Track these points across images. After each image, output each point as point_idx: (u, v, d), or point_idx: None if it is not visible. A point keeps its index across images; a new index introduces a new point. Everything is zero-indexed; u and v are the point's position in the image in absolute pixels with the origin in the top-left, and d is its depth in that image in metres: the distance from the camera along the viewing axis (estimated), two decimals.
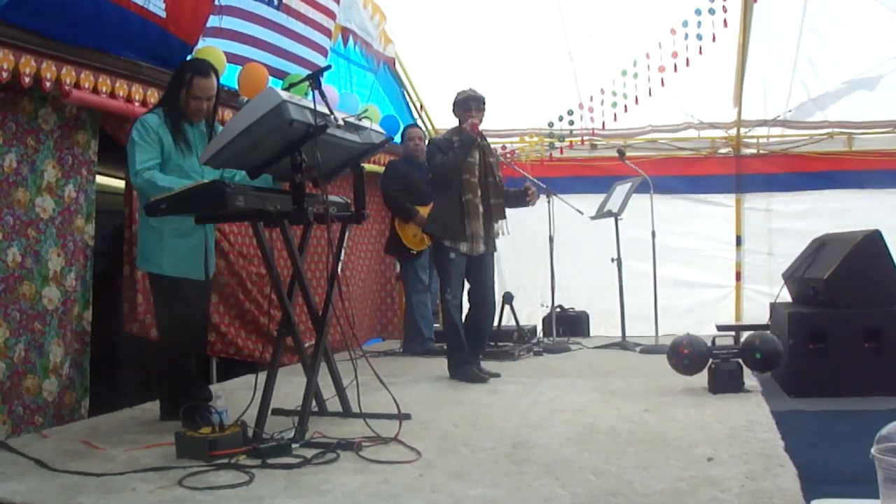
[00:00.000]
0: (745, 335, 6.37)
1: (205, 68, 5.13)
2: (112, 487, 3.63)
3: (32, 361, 5.10)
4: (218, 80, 5.17)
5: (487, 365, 6.89)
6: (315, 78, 4.56)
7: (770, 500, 3.21)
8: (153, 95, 5.67)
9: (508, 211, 6.91)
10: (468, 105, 6.66)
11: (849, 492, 1.84)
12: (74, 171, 5.44)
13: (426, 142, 8.24)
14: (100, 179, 5.96)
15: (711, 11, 9.26)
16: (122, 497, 3.50)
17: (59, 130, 5.32)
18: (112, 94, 5.55)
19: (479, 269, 6.76)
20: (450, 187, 6.63)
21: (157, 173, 4.74)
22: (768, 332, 6.43)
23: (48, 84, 5.02)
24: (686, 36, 9.44)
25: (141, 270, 5.65)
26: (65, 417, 5.34)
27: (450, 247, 6.62)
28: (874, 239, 6.32)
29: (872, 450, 1.62)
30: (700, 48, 9.41)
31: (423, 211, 8.19)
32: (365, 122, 4.90)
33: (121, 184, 6.01)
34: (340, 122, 4.55)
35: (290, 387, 5.59)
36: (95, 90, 5.39)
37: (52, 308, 5.26)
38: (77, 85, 5.23)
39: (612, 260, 8.70)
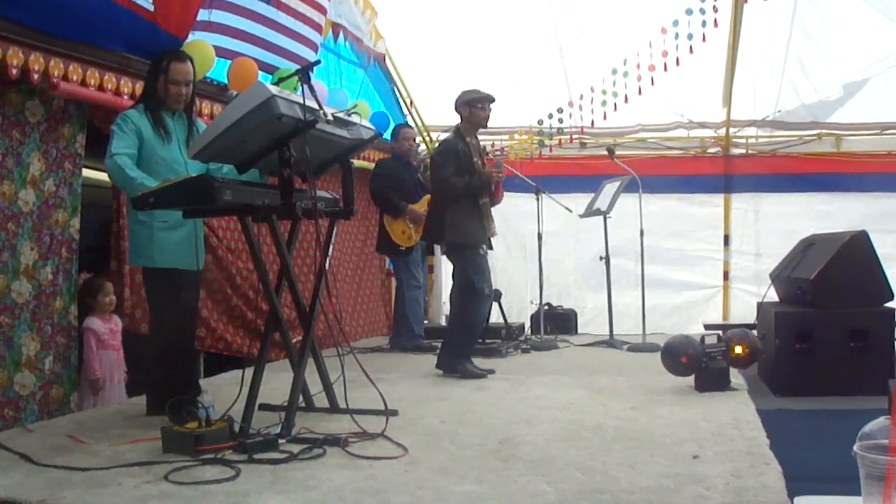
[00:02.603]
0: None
1: (180, 54, 5.21)
2: (97, 482, 3.62)
3: (1, 355, 5.07)
4: (194, 67, 5.18)
5: (476, 361, 6.87)
6: (304, 73, 4.56)
7: (755, 498, 3.22)
8: (142, 89, 5.65)
9: (497, 208, 6.97)
10: (483, 103, 6.79)
11: (832, 490, 1.85)
12: (57, 164, 5.42)
13: (418, 142, 8.29)
14: (88, 173, 5.94)
15: (702, 11, 9.28)
16: (107, 492, 3.49)
17: (45, 123, 5.30)
18: (100, 87, 5.54)
19: None
20: None
21: (130, 162, 4.74)
22: (746, 330, 6.45)
23: (36, 76, 5.01)
24: (676, 35, 9.47)
25: (132, 265, 5.64)
26: (52, 412, 5.33)
27: (474, 245, 6.69)
28: (861, 239, 6.34)
29: (855, 447, 1.62)
30: (690, 48, 9.43)
31: (413, 207, 8.25)
32: (354, 118, 4.90)
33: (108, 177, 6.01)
34: (329, 118, 4.54)
35: (277, 382, 5.58)
36: (84, 83, 5.38)
37: (21, 302, 5.22)
38: (65, 77, 5.22)
39: (601, 258, 8.73)
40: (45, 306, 5.35)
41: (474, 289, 6.67)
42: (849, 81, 9.79)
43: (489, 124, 6.95)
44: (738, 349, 5.91)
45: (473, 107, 6.76)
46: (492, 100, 6.82)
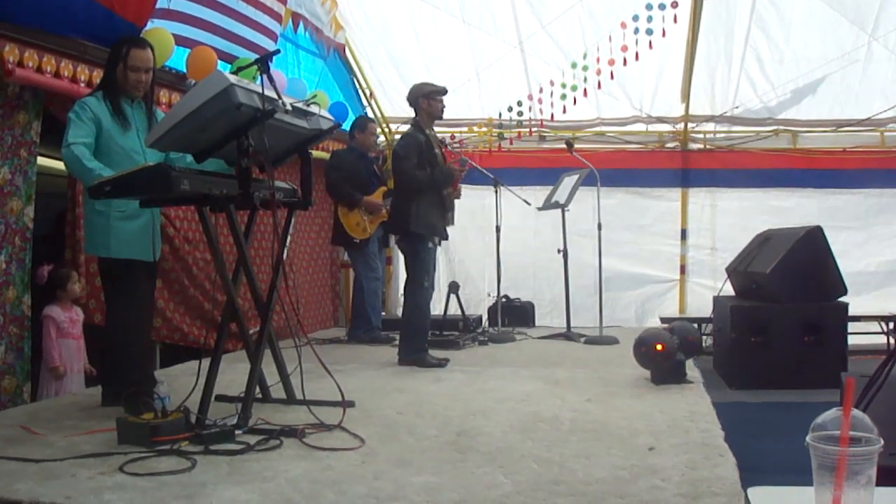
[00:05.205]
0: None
1: (140, 40, 5.13)
2: (51, 474, 3.57)
3: None
4: (154, 53, 5.11)
5: (433, 353, 6.89)
6: (264, 62, 4.53)
7: (709, 489, 3.25)
8: (99, 76, 5.58)
9: (456, 200, 7.01)
10: (440, 95, 6.89)
11: (786, 480, 1.87)
12: (12, 151, 5.34)
13: (377, 133, 8.32)
14: (44, 161, 5.87)
15: (662, 6, 9.32)
16: (61, 483, 3.44)
17: (0, 110, 5.22)
18: (57, 74, 5.47)
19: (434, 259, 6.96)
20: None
21: (87, 152, 4.67)
22: (686, 322, 6.50)
23: None
24: (636, 30, 9.50)
25: (87, 255, 5.58)
26: (5, 403, 5.25)
27: (428, 237, 6.73)
28: (816, 235, 6.43)
29: (807, 438, 1.64)
30: (650, 42, 9.47)
31: (368, 198, 8.27)
32: (313, 108, 4.87)
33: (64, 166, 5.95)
34: (288, 108, 4.51)
35: (233, 373, 5.55)
36: (40, 69, 5.31)
37: None
38: (21, 63, 5.15)
39: (559, 251, 8.75)
40: None
41: (416, 281, 6.77)
42: (805, 79, 9.89)
43: (449, 116, 6.98)
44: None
45: (433, 99, 6.85)
46: (446, 91, 6.94)
